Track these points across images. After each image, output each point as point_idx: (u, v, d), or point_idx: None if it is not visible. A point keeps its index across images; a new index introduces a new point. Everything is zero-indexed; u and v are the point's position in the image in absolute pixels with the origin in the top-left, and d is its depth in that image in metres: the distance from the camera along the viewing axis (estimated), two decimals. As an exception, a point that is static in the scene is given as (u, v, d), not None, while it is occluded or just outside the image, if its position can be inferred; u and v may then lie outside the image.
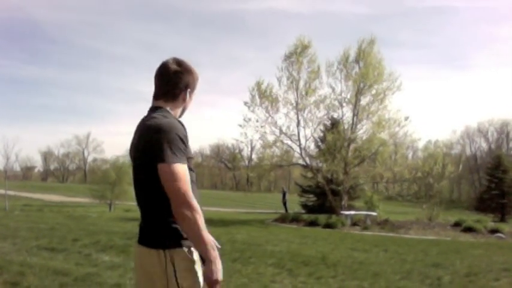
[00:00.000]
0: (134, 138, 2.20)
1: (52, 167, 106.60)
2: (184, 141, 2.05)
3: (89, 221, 16.98)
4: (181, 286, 2.01)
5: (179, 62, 2.25)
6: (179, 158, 2.00)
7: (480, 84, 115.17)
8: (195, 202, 1.98)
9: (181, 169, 1.99)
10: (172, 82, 2.23)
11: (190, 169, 2.13)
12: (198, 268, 2.10)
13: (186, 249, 2.04)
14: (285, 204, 29.39)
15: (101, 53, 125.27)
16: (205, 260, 1.99)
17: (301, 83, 22.70)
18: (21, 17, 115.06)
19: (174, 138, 2.01)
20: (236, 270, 7.40)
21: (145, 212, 2.13)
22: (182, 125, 2.13)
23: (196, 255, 2.10)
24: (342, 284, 6.67)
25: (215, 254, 1.98)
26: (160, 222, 2.07)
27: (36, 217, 18.69)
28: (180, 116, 2.30)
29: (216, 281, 1.97)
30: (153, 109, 2.22)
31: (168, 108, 2.21)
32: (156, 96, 2.25)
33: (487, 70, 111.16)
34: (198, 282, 2.03)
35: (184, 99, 2.27)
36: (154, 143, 2.01)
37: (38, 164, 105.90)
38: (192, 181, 2.12)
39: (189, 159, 2.11)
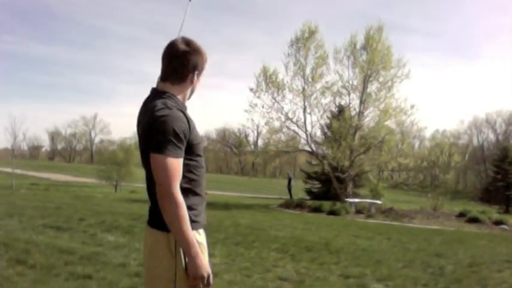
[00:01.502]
0: (138, 123, 2.19)
1: (59, 147, 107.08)
2: (180, 134, 2.00)
3: (94, 201, 17.10)
4: (185, 266, 2.02)
5: (188, 42, 2.17)
6: (172, 150, 1.97)
7: (489, 74, 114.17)
8: (178, 197, 1.96)
9: (171, 162, 1.97)
10: (180, 63, 2.15)
11: (197, 155, 2.13)
12: (204, 250, 2.12)
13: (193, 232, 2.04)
14: (290, 190, 29.43)
15: (108, 33, 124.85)
16: (186, 255, 1.99)
17: (308, 69, 22.61)
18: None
19: (170, 131, 1.97)
20: (239, 253, 7.46)
21: (151, 194, 2.13)
22: (184, 114, 2.08)
23: (201, 238, 2.12)
24: (344, 270, 6.70)
25: (195, 250, 1.97)
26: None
27: (43, 196, 18.86)
28: (189, 98, 2.26)
29: (198, 277, 1.97)
30: (158, 94, 2.16)
31: (174, 93, 2.16)
32: (163, 78, 2.19)
33: (497, 60, 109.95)
34: (205, 264, 2.03)
35: (192, 81, 2.20)
36: (151, 132, 2.00)
37: (45, 144, 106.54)
38: (199, 166, 2.14)
39: (196, 145, 2.11)
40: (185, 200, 2.00)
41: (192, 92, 2.27)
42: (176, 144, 1.99)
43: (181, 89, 2.20)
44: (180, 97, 2.19)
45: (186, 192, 2.04)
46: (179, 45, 2.15)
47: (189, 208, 2.02)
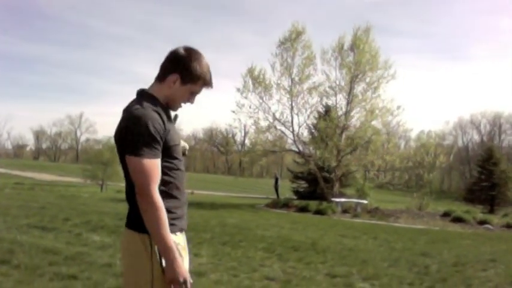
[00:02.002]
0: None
1: (44, 146, 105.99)
2: (155, 135, 1.96)
3: (80, 201, 16.97)
4: (163, 268, 1.99)
5: (188, 49, 2.14)
6: (147, 152, 1.94)
7: (474, 76, 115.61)
8: (156, 198, 1.94)
9: (147, 163, 1.94)
10: (167, 62, 2.13)
11: (174, 157, 2.10)
12: (184, 252, 2.11)
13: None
14: (276, 189, 29.49)
15: (97, 32, 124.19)
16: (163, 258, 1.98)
17: (295, 69, 22.67)
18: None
19: (143, 132, 1.93)
20: (226, 253, 7.45)
21: (128, 194, 2.11)
22: (160, 114, 2.03)
23: (179, 239, 2.10)
24: (331, 269, 6.72)
25: (173, 255, 1.94)
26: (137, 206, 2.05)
27: (28, 195, 18.65)
28: (176, 107, 2.20)
29: (175, 281, 1.96)
30: (138, 94, 2.14)
31: (154, 92, 2.13)
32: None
33: (482, 62, 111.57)
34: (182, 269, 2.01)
35: (170, 86, 2.12)
36: (125, 134, 1.98)
37: (30, 143, 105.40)
38: (176, 169, 2.10)
39: (172, 146, 2.07)
40: (167, 198, 2.00)
41: (168, 99, 2.15)
42: (151, 144, 1.96)
43: (161, 89, 2.14)
44: (161, 98, 2.13)
45: (161, 194, 1.99)
46: (178, 49, 2.14)
47: (166, 211, 2.00)
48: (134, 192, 2.01)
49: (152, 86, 2.17)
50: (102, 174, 35.11)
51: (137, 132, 1.94)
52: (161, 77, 2.14)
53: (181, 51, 2.13)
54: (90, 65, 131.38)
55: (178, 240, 2.09)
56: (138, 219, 2.01)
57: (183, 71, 2.11)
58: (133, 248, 2.06)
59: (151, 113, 1.99)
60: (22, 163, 70.70)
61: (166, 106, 2.15)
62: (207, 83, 2.19)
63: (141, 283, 2.02)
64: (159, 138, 1.98)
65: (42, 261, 5.65)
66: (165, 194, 2.05)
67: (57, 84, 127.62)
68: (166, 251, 1.94)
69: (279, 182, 30.26)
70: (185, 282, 1.97)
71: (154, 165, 1.97)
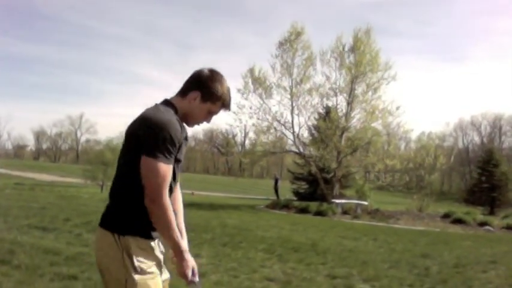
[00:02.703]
0: (132, 122, 2.16)
1: (44, 147, 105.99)
2: (175, 142, 2.01)
3: (80, 201, 16.97)
4: (136, 270, 2.02)
5: (212, 70, 2.23)
6: (165, 157, 1.98)
7: (475, 77, 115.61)
8: (166, 201, 1.99)
9: (164, 168, 1.98)
10: (190, 78, 2.21)
11: (174, 171, 2.11)
12: (153, 256, 2.11)
13: (141, 238, 2.06)
14: (276, 190, 29.47)
15: (97, 33, 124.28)
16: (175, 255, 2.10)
17: (296, 70, 22.68)
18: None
19: (165, 137, 1.98)
20: (226, 254, 7.44)
21: (114, 195, 2.13)
22: (181, 126, 2.08)
23: (152, 244, 2.11)
24: (331, 271, 6.72)
25: (182, 254, 2.07)
26: (125, 208, 2.07)
27: (28, 196, 18.64)
28: (191, 124, 2.25)
29: (186, 276, 2.09)
30: (162, 101, 2.20)
31: (175, 104, 2.18)
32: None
33: (482, 63, 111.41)
34: (151, 271, 2.06)
35: (190, 102, 2.18)
36: (145, 134, 1.99)
37: (30, 143, 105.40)
38: (172, 179, 2.12)
39: (177, 161, 2.10)
40: (140, 206, 2.01)
41: (187, 114, 2.20)
42: (170, 151, 2.00)
43: (181, 103, 2.19)
44: (179, 112, 2.17)
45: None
46: (202, 69, 2.23)
47: (141, 215, 2.03)
48: (125, 190, 2.06)
49: (173, 99, 2.22)
50: (103, 174, 35.08)
51: (160, 136, 1.97)
52: (183, 93, 2.21)
53: (206, 71, 2.21)
54: (90, 66, 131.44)
55: (151, 246, 2.11)
56: (113, 219, 2.08)
57: (205, 89, 2.18)
58: (106, 246, 2.07)
59: (175, 122, 2.04)
60: (22, 163, 70.65)
61: (182, 120, 2.17)
62: (225, 104, 2.26)
63: (115, 282, 2.05)
64: (177, 147, 2.03)
65: (43, 261, 5.65)
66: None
67: (57, 85, 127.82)
68: (176, 250, 2.06)
69: (279, 183, 30.24)
70: (194, 273, 2.12)
71: (168, 170, 2.01)
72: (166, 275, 2.23)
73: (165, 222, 2.00)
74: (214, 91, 2.18)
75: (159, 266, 2.13)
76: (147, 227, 2.07)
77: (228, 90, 2.24)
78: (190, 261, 2.11)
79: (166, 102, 2.19)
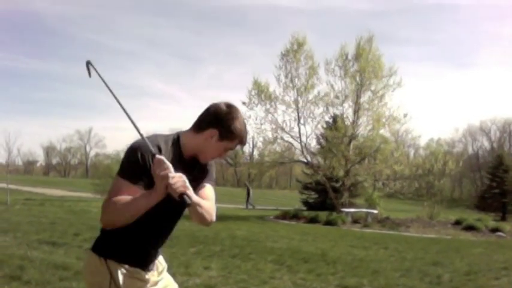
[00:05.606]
0: None
1: (54, 162, 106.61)
2: (140, 163, 1.95)
3: (90, 216, 16.98)
4: None
5: (228, 106, 2.13)
6: (125, 173, 1.99)
7: (483, 82, 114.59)
8: (110, 201, 1.96)
9: (119, 181, 1.99)
10: (206, 114, 2.13)
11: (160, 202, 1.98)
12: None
13: (126, 264, 2.11)
14: (247, 200, 29.67)
15: (103, 47, 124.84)
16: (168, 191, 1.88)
17: (299, 80, 22.69)
18: (23, 10, 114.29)
19: (131, 159, 1.98)
20: (236, 266, 7.42)
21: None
22: (160, 149, 1.98)
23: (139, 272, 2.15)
24: (341, 281, 6.68)
25: (156, 190, 1.88)
26: (108, 232, 2.13)
27: (38, 211, 18.69)
28: (193, 157, 2.15)
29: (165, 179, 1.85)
30: (173, 137, 2.15)
31: (183, 138, 2.13)
32: None
33: (490, 68, 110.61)
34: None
35: (206, 139, 2.09)
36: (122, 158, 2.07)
37: (40, 159, 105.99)
38: (150, 213, 1.97)
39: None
40: (122, 234, 2.06)
41: (200, 152, 2.14)
42: (134, 170, 1.97)
43: (195, 139, 2.12)
44: (192, 146, 2.12)
45: (127, 228, 2.01)
46: (219, 105, 2.13)
47: (122, 243, 2.09)
48: None
49: (186, 132, 2.16)
50: (112, 188, 35.21)
51: (127, 156, 2.02)
52: (198, 128, 2.12)
53: (223, 108, 2.11)
54: (96, 80, 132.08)
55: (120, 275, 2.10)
56: (98, 242, 2.16)
57: (223, 128, 2.09)
58: (92, 267, 2.15)
59: (147, 147, 1.94)
60: (33, 179, 71.01)
61: (194, 156, 2.14)
62: (242, 142, 2.18)
63: None
64: (143, 169, 1.96)
65: (53, 276, 5.67)
66: (132, 231, 2.06)
67: (63, 100, 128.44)
68: (157, 192, 1.89)
69: (251, 192, 30.44)
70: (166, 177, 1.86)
71: (124, 185, 1.97)
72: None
73: (121, 210, 1.93)
74: (233, 130, 2.10)
75: None
76: (129, 252, 2.11)
77: (245, 126, 2.17)
78: (176, 177, 1.86)
79: (175, 141, 2.12)
